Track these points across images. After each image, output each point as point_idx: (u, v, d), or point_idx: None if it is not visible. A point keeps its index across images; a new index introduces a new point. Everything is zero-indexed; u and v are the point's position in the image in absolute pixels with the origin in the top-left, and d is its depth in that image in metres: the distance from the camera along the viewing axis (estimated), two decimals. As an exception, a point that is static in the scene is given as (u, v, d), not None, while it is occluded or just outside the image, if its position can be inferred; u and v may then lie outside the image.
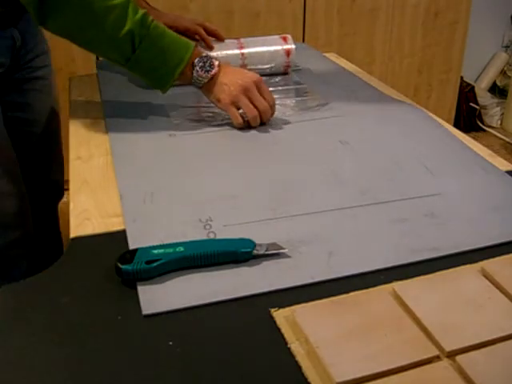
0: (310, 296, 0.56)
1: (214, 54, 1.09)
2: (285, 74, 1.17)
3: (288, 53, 1.14)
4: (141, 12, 0.85)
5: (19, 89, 1.05)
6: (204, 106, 1.01)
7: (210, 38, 1.13)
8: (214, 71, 0.90)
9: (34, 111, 1.10)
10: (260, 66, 1.13)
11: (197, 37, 1.13)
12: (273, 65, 1.14)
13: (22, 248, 0.97)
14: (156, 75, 0.90)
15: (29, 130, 1.10)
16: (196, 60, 0.89)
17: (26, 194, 0.98)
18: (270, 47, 1.13)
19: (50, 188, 1.20)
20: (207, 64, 0.90)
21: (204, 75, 0.90)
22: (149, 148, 0.87)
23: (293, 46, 1.14)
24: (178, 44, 0.89)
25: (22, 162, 1.01)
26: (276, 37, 1.15)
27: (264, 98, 0.92)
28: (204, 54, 0.90)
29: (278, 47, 1.14)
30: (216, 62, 0.91)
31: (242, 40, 1.12)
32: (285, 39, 1.14)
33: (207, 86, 0.92)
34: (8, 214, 0.94)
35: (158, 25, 0.87)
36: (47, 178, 1.18)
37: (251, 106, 0.91)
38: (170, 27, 0.94)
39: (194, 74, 0.90)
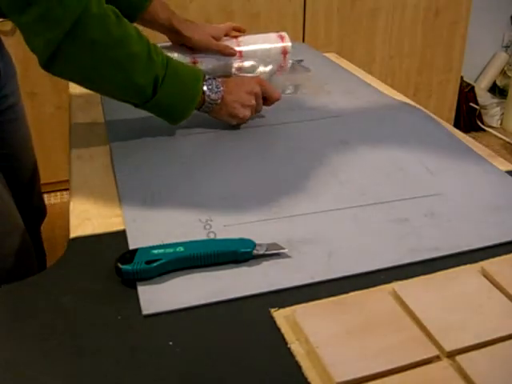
0: (310, 296, 0.56)
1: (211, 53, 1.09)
2: (281, 72, 1.17)
3: (285, 50, 1.14)
4: (159, 50, 0.80)
5: None
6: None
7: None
8: (222, 89, 0.87)
9: (10, 145, 1.05)
10: (257, 64, 1.13)
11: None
12: (270, 63, 1.14)
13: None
14: (173, 112, 0.85)
15: (7, 165, 1.03)
16: (203, 85, 0.85)
17: (25, 230, 0.93)
18: (266, 45, 1.14)
19: (32, 213, 1.17)
20: (214, 85, 0.86)
21: (216, 97, 0.86)
22: (149, 148, 0.87)
23: (289, 44, 1.14)
24: (190, 76, 0.85)
25: None
26: (273, 34, 1.15)
27: (272, 96, 0.93)
28: (206, 77, 0.86)
29: (275, 45, 1.14)
30: (219, 80, 0.87)
31: (240, 38, 1.12)
32: (281, 37, 1.14)
33: (217, 107, 0.88)
34: (11, 254, 0.89)
35: (170, 60, 0.82)
36: (29, 204, 1.15)
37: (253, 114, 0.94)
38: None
39: (207, 99, 0.86)
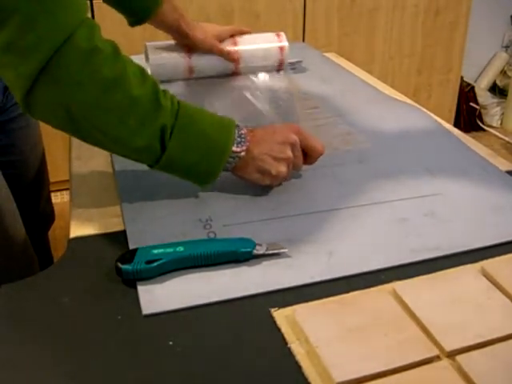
0: (310, 296, 0.56)
1: None
2: (279, 70, 1.17)
3: (282, 50, 1.14)
4: (169, 96, 0.66)
5: (4, 130, 0.98)
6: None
7: None
8: (247, 139, 0.69)
9: (20, 152, 1.03)
10: (253, 64, 1.13)
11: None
12: (266, 62, 1.14)
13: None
14: (194, 171, 0.69)
15: (16, 172, 1.02)
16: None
17: (29, 243, 0.92)
18: (263, 45, 1.14)
19: (39, 219, 1.16)
20: (237, 135, 0.69)
21: (239, 149, 0.68)
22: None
23: (286, 44, 1.14)
24: (214, 125, 0.68)
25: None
26: (270, 34, 1.15)
27: (314, 149, 0.74)
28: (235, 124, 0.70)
29: (272, 45, 1.14)
30: (245, 129, 0.70)
31: (237, 38, 1.12)
32: (279, 36, 1.15)
33: (242, 163, 0.70)
34: (13, 267, 0.86)
35: (186, 107, 0.67)
36: (37, 210, 1.13)
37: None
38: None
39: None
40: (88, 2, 1.80)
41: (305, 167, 0.76)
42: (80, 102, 0.60)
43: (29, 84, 0.58)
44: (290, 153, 0.70)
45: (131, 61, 0.64)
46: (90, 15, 1.82)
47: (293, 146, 0.71)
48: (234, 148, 0.68)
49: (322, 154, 0.74)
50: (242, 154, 0.69)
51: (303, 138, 0.72)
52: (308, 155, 0.74)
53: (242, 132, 0.69)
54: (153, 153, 0.65)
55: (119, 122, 0.63)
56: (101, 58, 0.60)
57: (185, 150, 0.66)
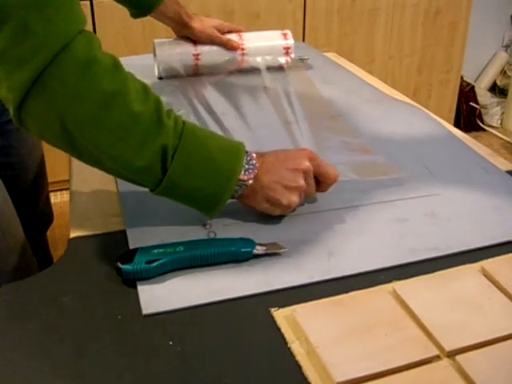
0: (310, 296, 0.56)
1: (214, 48, 1.11)
2: (283, 68, 1.17)
3: (287, 48, 1.15)
4: (173, 115, 0.62)
5: (2, 132, 0.97)
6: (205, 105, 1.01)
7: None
8: (256, 166, 0.65)
9: (18, 154, 1.02)
10: (259, 61, 1.14)
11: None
12: (272, 60, 1.15)
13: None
14: (199, 199, 0.64)
15: (14, 173, 1.02)
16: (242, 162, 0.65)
17: (28, 247, 0.91)
18: (269, 42, 1.15)
19: (38, 222, 1.16)
20: (245, 161, 0.64)
21: (247, 177, 0.64)
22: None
23: (291, 42, 1.15)
24: (222, 149, 0.64)
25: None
26: (276, 32, 1.16)
27: (328, 176, 0.69)
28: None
29: (278, 42, 1.15)
30: (255, 154, 0.66)
31: (243, 35, 1.13)
32: (284, 35, 1.15)
33: (249, 191, 0.65)
34: (12, 271, 0.85)
35: (191, 127, 0.63)
36: (35, 211, 1.13)
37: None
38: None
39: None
40: (88, 3, 1.80)
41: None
42: (75, 117, 0.56)
43: (21, 95, 0.54)
44: (302, 181, 0.66)
45: (133, 76, 0.61)
46: (89, 15, 1.82)
47: (305, 173, 0.66)
48: (241, 176, 0.64)
49: (335, 182, 0.70)
50: (250, 181, 0.64)
51: (316, 165, 0.67)
52: (321, 182, 0.69)
53: (251, 157, 0.65)
54: (153, 175, 0.61)
55: (118, 140, 0.58)
56: (100, 70, 0.56)
57: (187, 173, 0.61)
